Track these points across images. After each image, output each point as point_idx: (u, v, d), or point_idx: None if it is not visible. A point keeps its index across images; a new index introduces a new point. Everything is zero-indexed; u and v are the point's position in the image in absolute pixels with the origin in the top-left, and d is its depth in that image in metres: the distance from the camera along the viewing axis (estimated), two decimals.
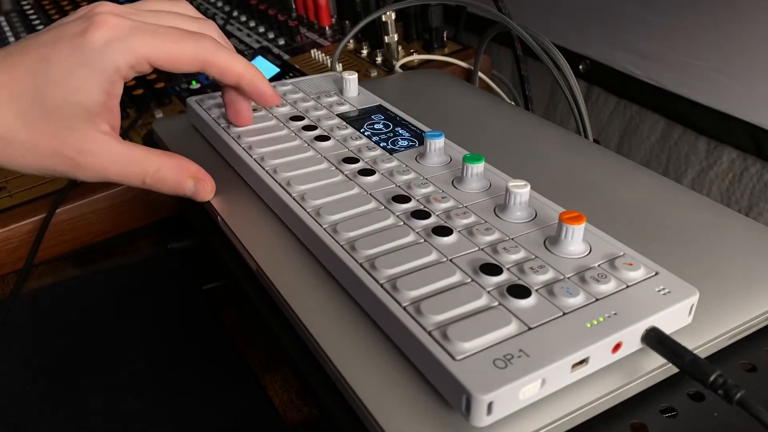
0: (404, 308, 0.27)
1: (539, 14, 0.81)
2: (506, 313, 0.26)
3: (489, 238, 0.31)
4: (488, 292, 0.28)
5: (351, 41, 0.72)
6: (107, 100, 0.34)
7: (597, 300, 0.27)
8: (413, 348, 0.26)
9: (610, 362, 0.26)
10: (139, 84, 0.65)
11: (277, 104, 0.42)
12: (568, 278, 0.28)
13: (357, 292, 0.30)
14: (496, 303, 0.27)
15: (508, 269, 0.29)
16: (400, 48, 0.68)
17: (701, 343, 0.29)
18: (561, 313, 0.26)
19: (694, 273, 0.30)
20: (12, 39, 0.83)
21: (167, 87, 0.65)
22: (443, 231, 0.32)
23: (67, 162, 0.34)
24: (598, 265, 0.29)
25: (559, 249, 0.30)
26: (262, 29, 0.78)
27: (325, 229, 0.32)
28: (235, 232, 0.36)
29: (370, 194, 0.35)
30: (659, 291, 0.28)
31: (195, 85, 0.67)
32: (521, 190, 0.32)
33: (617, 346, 0.26)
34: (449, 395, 0.25)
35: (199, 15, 0.39)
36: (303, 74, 0.65)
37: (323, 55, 0.69)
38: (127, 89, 0.63)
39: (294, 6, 0.81)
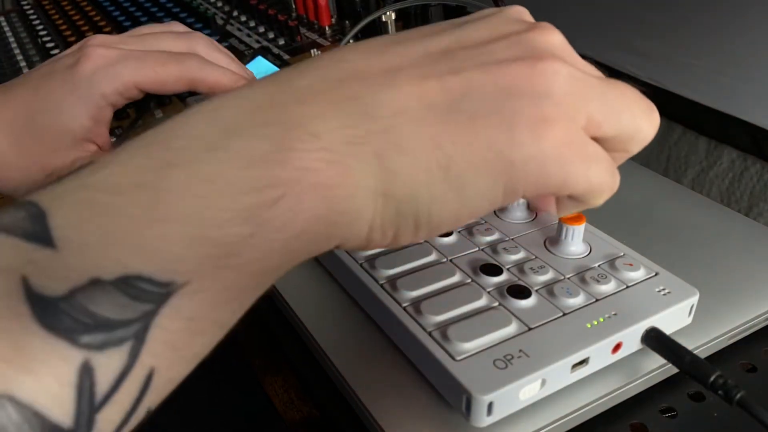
0: (404, 308, 0.27)
1: (539, 14, 0.80)
2: (506, 313, 0.26)
3: (489, 239, 0.31)
4: (488, 292, 0.28)
5: (351, 41, 0.72)
6: (94, 126, 0.35)
7: (597, 300, 0.27)
8: (413, 348, 0.26)
9: (610, 362, 0.26)
10: None
11: None
12: (568, 279, 0.28)
13: (357, 293, 0.30)
14: (496, 303, 0.27)
15: (508, 269, 0.29)
16: None
17: (701, 343, 0.29)
18: (561, 314, 0.26)
19: (694, 273, 0.30)
20: (12, 39, 0.83)
21: None
22: None
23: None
24: (598, 266, 0.29)
25: (559, 249, 0.30)
26: (262, 29, 0.78)
27: None
28: None
29: None
30: (659, 291, 0.28)
31: None
32: None
33: (617, 347, 0.26)
34: (449, 395, 0.25)
35: (189, 30, 0.40)
36: None
37: None
38: None
39: (294, 6, 0.81)
